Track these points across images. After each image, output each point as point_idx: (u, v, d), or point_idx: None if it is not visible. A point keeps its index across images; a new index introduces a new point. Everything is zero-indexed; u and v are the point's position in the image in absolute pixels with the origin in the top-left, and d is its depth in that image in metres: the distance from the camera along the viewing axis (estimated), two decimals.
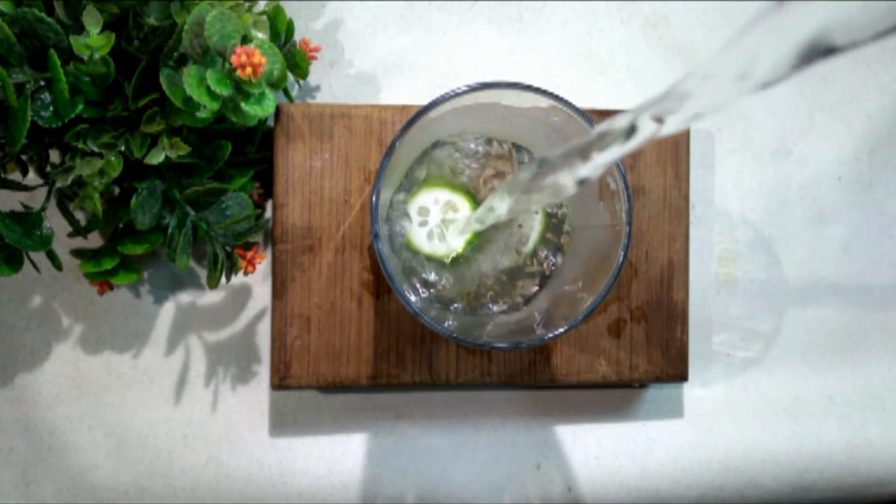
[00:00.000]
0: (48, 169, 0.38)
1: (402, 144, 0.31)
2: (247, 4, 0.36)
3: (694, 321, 0.45)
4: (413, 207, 0.36)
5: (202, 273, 0.43)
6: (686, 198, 0.41)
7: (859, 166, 0.47)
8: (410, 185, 0.36)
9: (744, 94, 0.18)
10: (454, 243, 0.36)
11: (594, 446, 0.44)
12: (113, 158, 0.34)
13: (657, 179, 0.41)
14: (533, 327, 0.33)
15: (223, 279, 0.38)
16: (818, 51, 0.16)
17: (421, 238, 0.36)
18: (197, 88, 0.31)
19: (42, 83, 0.32)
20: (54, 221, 0.37)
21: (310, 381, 0.39)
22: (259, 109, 0.33)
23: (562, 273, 0.36)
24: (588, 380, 0.41)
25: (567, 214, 0.37)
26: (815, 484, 0.45)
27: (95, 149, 0.34)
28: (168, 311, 0.43)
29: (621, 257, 0.31)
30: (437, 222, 0.36)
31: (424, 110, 0.31)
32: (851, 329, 0.46)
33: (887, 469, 0.46)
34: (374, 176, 0.34)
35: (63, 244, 0.41)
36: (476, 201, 0.36)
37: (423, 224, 0.36)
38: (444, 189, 0.36)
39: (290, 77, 0.41)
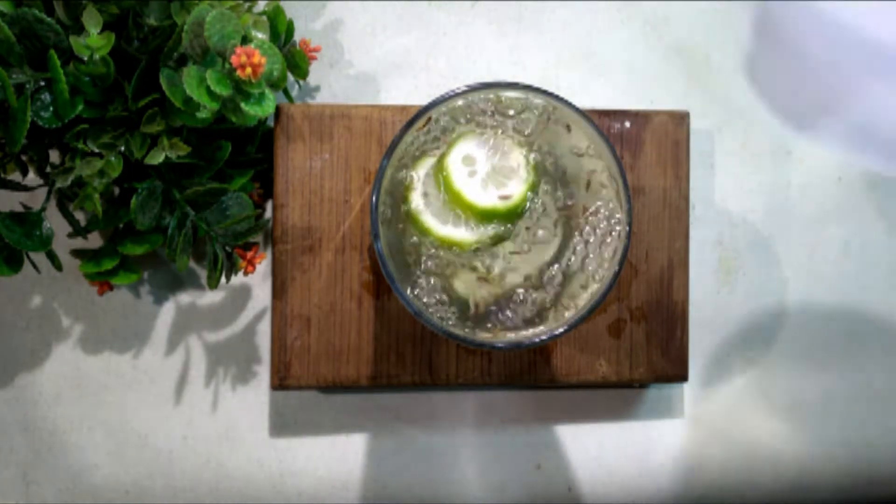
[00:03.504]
0: (48, 169, 0.38)
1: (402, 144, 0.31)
2: (247, 4, 0.36)
3: (694, 321, 0.45)
4: (455, 158, 0.32)
5: (202, 273, 0.43)
6: (686, 198, 0.41)
7: (859, 166, 0.47)
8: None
9: None
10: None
11: (594, 447, 0.44)
12: (113, 159, 0.34)
13: (657, 179, 0.41)
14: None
15: (223, 279, 0.38)
16: None
17: (473, 190, 0.31)
18: (197, 89, 0.31)
19: (42, 83, 0.32)
20: (54, 222, 0.37)
21: (310, 382, 0.39)
22: (259, 110, 0.33)
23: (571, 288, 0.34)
24: (588, 380, 0.41)
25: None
26: (815, 484, 0.45)
27: (95, 149, 0.34)
28: (168, 311, 0.43)
29: (621, 257, 0.31)
30: (489, 169, 0.31)
31: (424, 110, 0.31)
32: (851, 329, 0.46)
33: (887, 469, 0.46)
34: (374, 176, 0.34)
35: (63, 244, 0.41)
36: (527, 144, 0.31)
37: (472, 174, 0.31)
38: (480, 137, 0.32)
39: (290, 77, 0.41)
